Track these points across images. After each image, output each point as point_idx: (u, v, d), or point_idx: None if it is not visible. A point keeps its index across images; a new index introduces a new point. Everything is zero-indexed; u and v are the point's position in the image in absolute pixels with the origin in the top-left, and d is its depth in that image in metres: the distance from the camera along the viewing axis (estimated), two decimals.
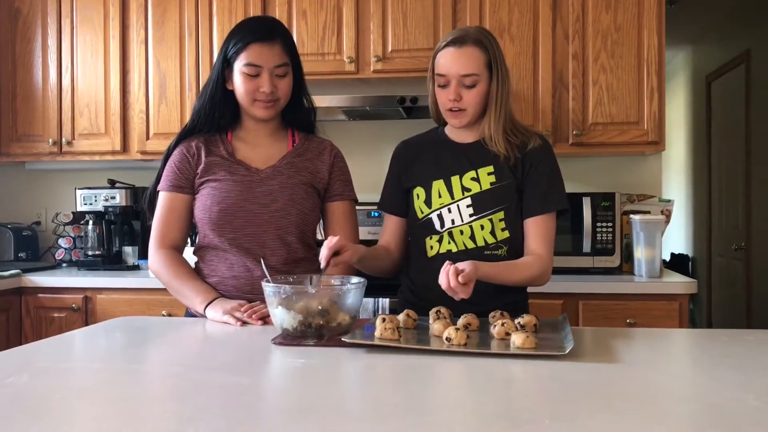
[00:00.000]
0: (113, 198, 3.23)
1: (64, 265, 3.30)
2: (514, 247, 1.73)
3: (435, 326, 1.41)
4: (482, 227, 1.72)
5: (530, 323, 1.42)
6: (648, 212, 2.93)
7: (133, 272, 3.04)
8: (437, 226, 1.75)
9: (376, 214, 3.02)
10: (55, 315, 2.87)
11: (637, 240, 2.71)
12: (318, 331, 1.38)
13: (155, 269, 1.77)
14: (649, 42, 2.81)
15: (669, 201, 3.02)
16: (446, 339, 1.31)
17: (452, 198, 1.74)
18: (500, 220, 1.71)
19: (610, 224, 2.76)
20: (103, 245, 3.19)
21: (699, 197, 5.80)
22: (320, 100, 2.86)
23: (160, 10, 3.11)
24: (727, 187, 5.11)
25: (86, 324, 2.79)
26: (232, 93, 1.76)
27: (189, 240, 1.86)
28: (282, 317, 1.39)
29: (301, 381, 1.14)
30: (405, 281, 1.86)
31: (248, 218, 1.73)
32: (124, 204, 3.24)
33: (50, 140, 3.19)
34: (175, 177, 1.77)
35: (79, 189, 3.28)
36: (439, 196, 1.75)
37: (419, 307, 1.58)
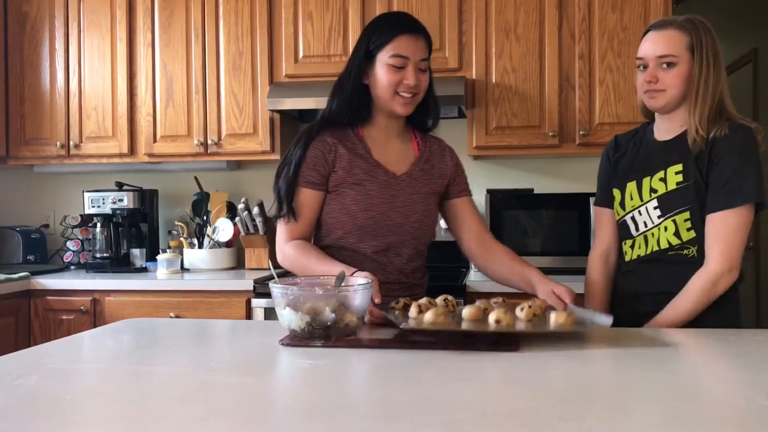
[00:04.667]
0: (121, 200, 3.24)
1: (73, 267, 3.31)
2: (704, 246, 1.66)
3: (465, 311, 1.44)
4: (666, 228, 1.68)
5: (542, 306, 1.47)
6: None
7: (141, 274, 3.05)
8: (632, 230, 1.75)
9: None
10: (64, 317, 2.88)
11: None
12: (326, 332, 1.38)
13: (292, 257, 1.72)
14: None
15: None
16: (496, 321, 1.36)
17: (641, 200, 1.73)
18: (685, 221, 1.66)
19: None
20: (111, 247, 3.21)
21: None
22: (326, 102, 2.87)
23: (167, 13, 3.12)
24: None
25: (94, 326, 2.80)
26: (366, 88, 1.74)
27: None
28: (290, 318, 1.39)
29: (308, 381, 1.14)
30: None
31: (391, 228, 1.73)
32: (131, 206, 3.25)
33: (58, 143, 3.20)
34: (310, 173, 1.72)
35: (86, 191, 3.30)
36: (631, 199, 1.75)
37: (625, 311, 1.69)
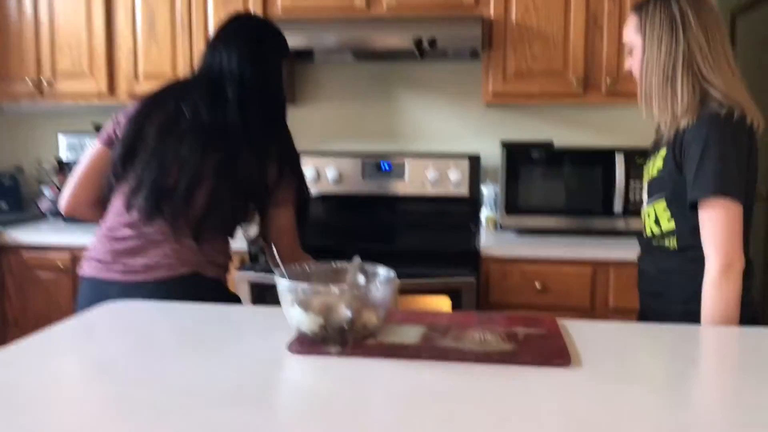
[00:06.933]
0: None
1: (49, 216, 3.06)
2: (684, 239, 1.52)
3: None
4: (648, 215, 1.61)
5: None
6: None
7: None
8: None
9: (387, 167, 2.77)
10: (41, 275, 2.65)
11: None
12: (341, 336, 1.17)
13: None
14: None
15: None
16: None
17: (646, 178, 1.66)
18: (664, 210, 1.56)
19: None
20: None
21: None
22: (326, 38, 2.59)
23: None
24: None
25: (73, 288, 2.59)
26: None
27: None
28: (299, 318, 1.18)
29: (325, 409, 0.93)
30: None
31: None
32: None
33: (29, 81, 2.91)
34: None
35: (62, 134, 3.02)
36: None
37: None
